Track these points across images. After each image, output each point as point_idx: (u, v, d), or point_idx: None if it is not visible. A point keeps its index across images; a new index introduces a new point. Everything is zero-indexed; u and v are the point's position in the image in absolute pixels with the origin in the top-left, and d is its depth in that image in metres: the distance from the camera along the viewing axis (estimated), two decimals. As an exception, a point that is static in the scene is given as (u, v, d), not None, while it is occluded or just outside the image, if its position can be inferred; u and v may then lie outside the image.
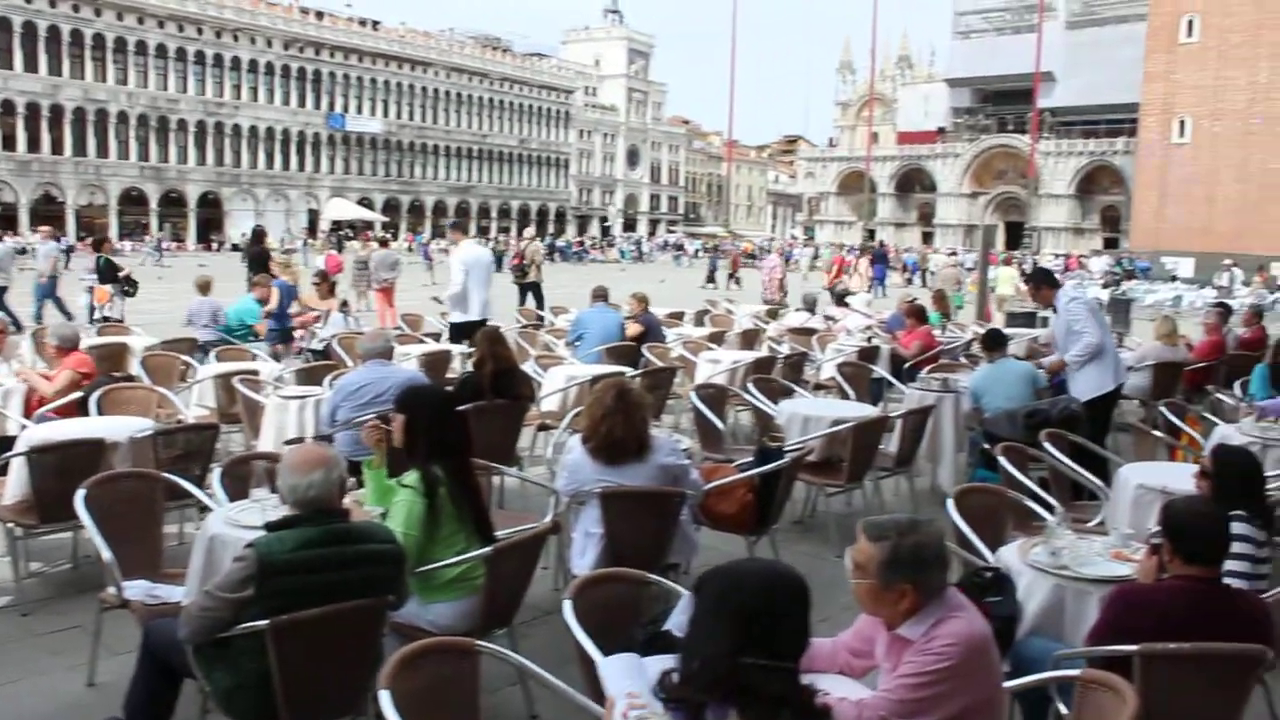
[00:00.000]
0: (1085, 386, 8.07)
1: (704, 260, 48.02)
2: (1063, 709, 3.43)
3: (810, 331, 13.32)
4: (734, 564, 2.67)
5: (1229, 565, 3.81)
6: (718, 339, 12.90)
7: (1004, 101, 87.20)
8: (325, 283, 14.72)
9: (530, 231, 38.98)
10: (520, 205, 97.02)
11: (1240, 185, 66.85)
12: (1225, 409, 9.52)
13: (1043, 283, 8.57)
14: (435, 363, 10.21)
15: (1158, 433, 7.93)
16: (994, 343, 8.74)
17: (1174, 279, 46.69)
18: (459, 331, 11.58)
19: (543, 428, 8.63)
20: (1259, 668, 3.38)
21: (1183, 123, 70.31)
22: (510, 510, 6.50)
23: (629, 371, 9.32)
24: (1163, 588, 3.50)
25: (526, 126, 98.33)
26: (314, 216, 77.23)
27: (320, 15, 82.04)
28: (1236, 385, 10.27)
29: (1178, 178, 69.58)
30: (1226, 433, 7.58)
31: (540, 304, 21.48)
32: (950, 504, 4.91)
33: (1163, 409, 8.33)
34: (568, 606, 3.43)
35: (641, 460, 4.93)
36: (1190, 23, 69.45)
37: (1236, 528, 3.97)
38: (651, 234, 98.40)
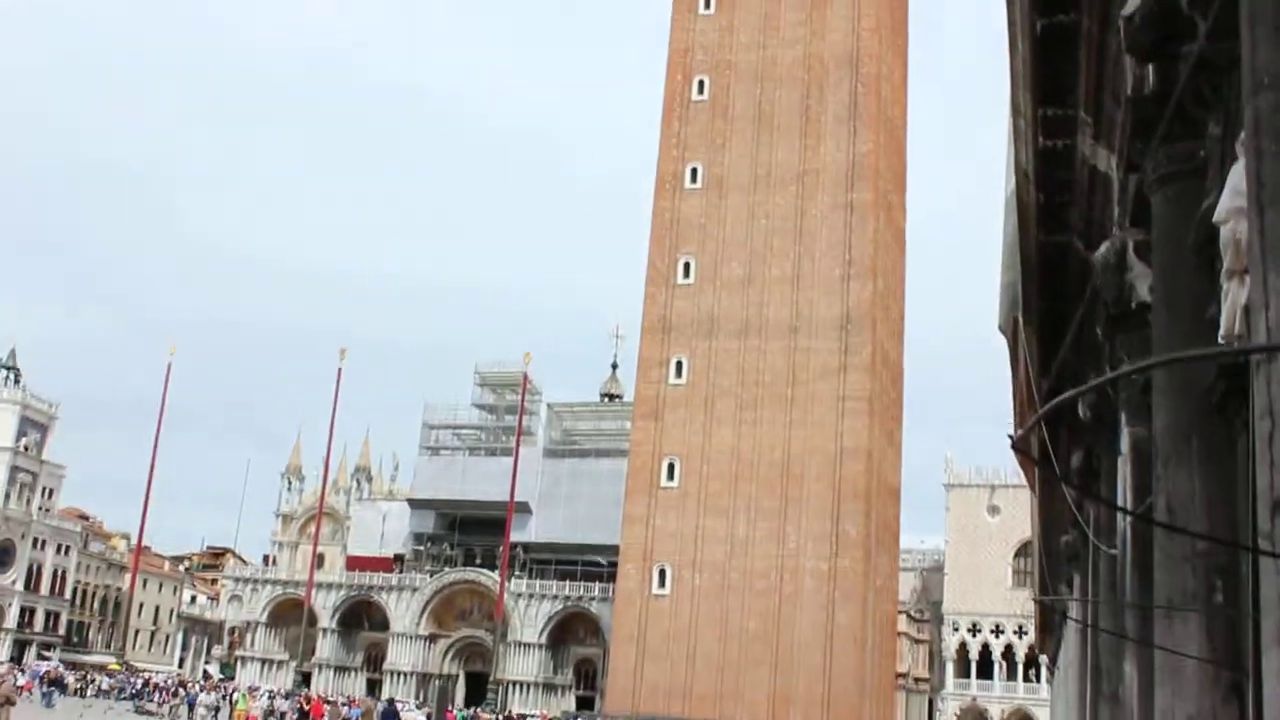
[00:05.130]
0: None
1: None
2: None
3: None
4: None
5: None
6: None
7: (473, 530, 78.26)
8: None
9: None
10: None
11: (720, 644, 61.45)
12: None
13: None
14: None
15: None
16: None
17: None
18: None
19: None
20: None
21: (663, 572, 64.11)
22: None
23: None
24: None
25: None
26: None
27: None
28: None
29: (658, 632, 62.88)
30: None
31: None
32: None
33: None
34: None
35: None
36: (671, 466, 65.00)
37: None
38: (17, 659, 72.95)
